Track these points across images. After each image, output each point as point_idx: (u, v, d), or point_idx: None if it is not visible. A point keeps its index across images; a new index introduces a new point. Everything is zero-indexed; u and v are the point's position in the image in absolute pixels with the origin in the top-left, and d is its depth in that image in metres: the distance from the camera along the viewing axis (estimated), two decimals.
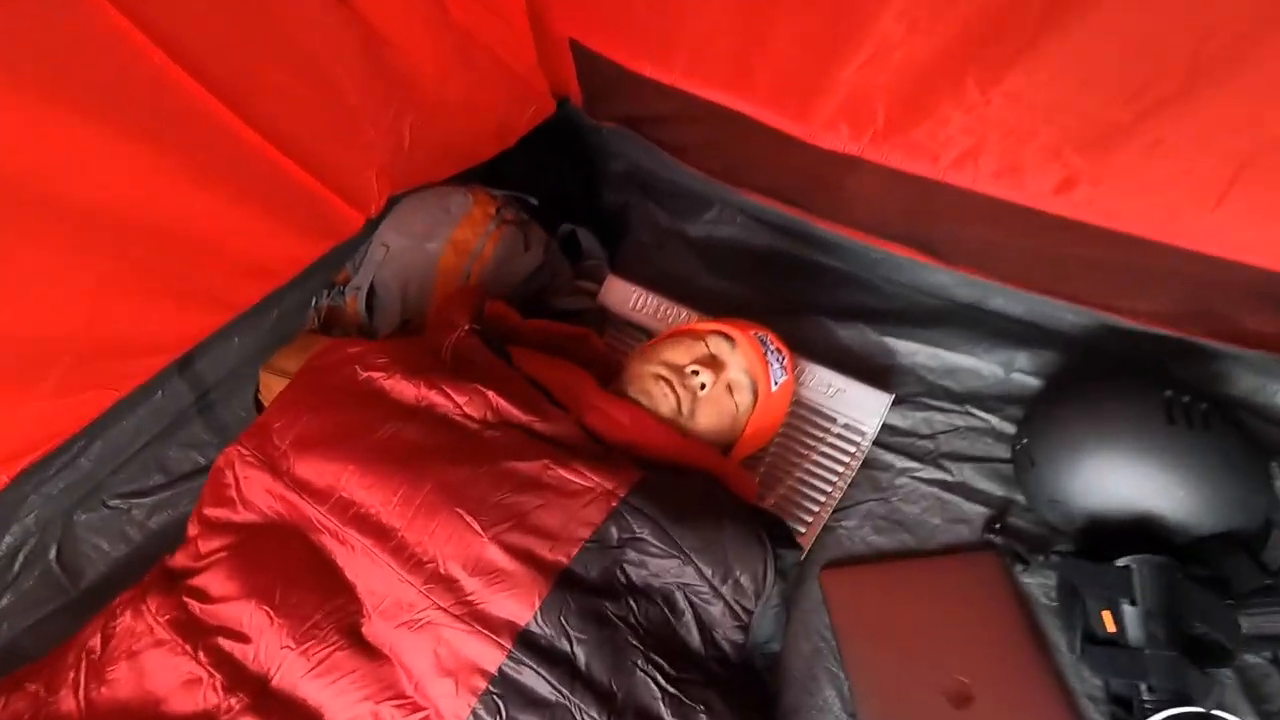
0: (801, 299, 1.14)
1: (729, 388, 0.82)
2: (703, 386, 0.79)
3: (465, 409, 0.70)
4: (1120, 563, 0.72)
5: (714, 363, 0.82)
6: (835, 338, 1.08)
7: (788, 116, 0.83)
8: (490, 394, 0.71)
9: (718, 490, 0.72)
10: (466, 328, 0.81)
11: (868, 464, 0.93)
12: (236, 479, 0.68)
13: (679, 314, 1.07)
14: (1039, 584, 0.82)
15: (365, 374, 0.72)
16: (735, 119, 0.91)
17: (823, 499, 0.90)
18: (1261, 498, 0.76)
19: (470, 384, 0.72)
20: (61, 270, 0.71)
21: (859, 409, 0.95)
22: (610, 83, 1.04)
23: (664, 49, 0.90)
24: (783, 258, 1.20)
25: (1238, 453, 0.75)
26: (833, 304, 1.13)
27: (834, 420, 0.96)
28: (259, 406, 1.04)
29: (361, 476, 0.62)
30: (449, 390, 0.70)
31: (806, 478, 0.92)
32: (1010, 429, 0.96)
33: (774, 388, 0.83)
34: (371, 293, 1.10)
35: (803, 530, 0.87)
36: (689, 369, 0.80)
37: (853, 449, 0.93)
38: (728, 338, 0.84)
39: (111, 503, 0.95)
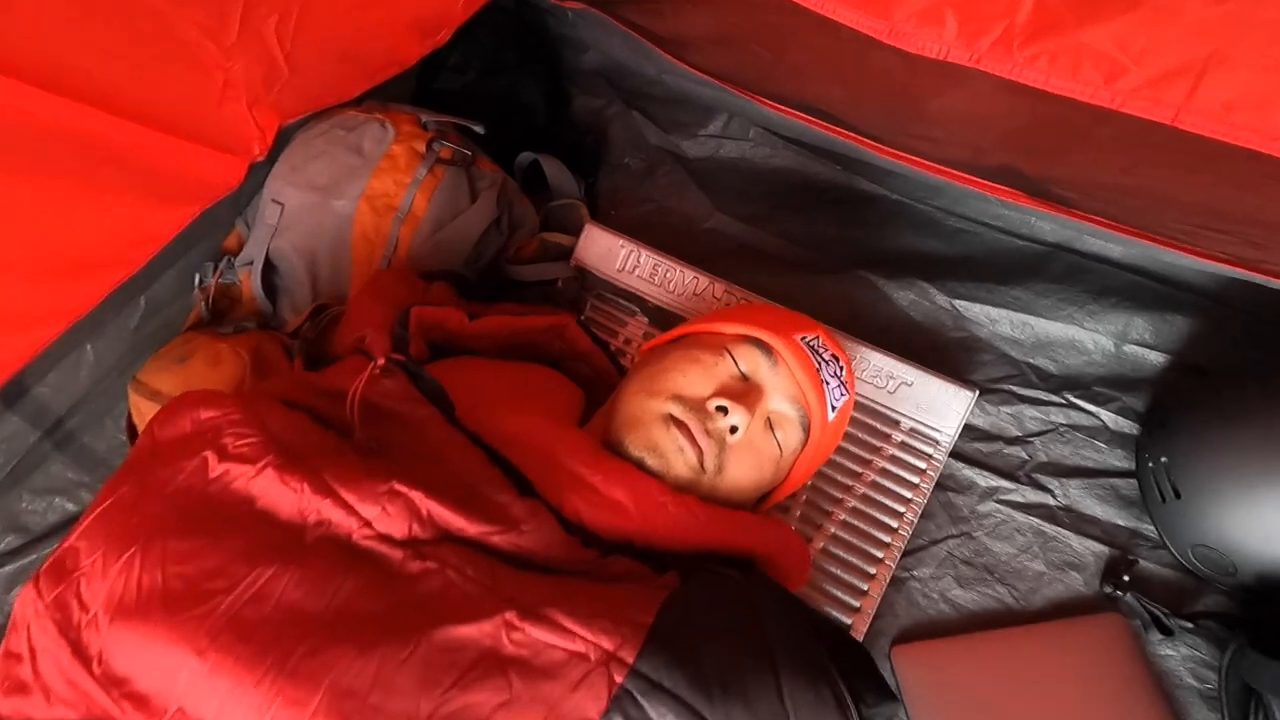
0: (841, 247, 0.87)
1: (769, 423, 0.58)
2: (734, 430, 0.55)
3: (377, 526, 0.45)
4: None
5: (747, 392, 0.57)
6: (889, 302, 0.83)
7: (856, 3, 0.53)
8: (416, 495, 0.46)
9: (764, 609, 0.48)
10: (380, 363, 0.55)
11: (941, 485, 0.71)
12: (32, 648, 0.44)
13: (684, 278, 0.80)
14: (1185, 657, 0.62)
15: (221, 468, 0.47)
16: (765, 2, 0.60)
17: (887, 539, 0.68)
18: None
19: (384, 480, 0.46)
20: None
21: (931, 409, 0.71)
22: None
23: None
24: (813, 188, 0.91)
25: None
26: (883, 252, 0.87)
27: (897, 425, 0.72)
28: (133, 437, 0.79)
29: (211, 677, 0.39)
30: (349, 496, 0.45)
31: (864, 509, 0.70)
32: (1128, 427, 0.73)
33: (831, 415, 0.59)
34: (270, 268, 0.82)
35: (864, 588, 0.66)
36: (713, 405, 0.55)
37: (923, 465, 0.70)
38: (765, 347, 0.58)
39: None
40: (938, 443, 0.71)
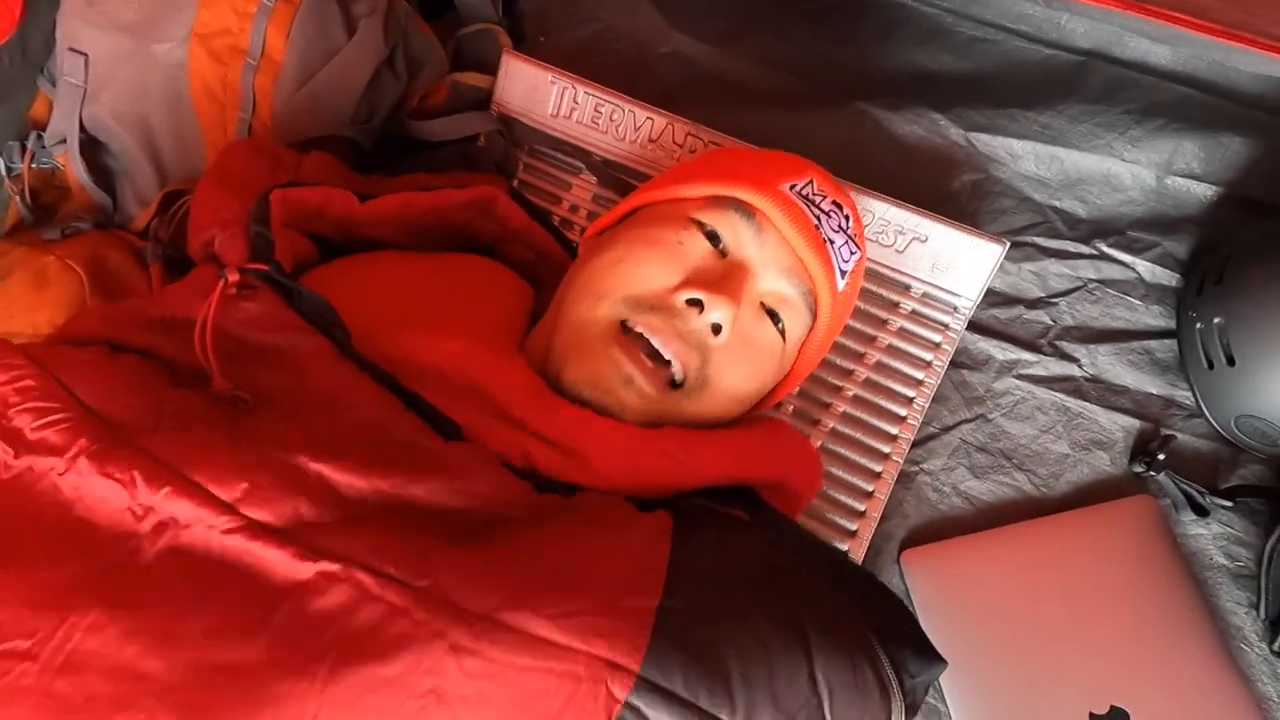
0: (830, 71, 0.70)
1: (762, 308, 0.45)
2: (717, 330, 0.42)
3: (245, 511, 0.32)
4: None
5: (729, 273, 0.44)
6: (892, 139, 0.68)
7: None
8: (300, 459, 0.33)
9: (786, 566, 0.39)
10: (233, 277, 0.40)
11: (953, 361, 0.61)
12: None
13: (635, 119, 0.64)
14: (1216, 535, 0.56)
15: (18, 464, 0.33)
16: None
17: (895, 430, 0.59)
18: None
19: (250, 446, 0.33)
20: None
21: (948, 270, 0.60)
22: None
23: None
24: None
25: None
26: (883, 75, 0.71)
27: (907, 291, 0.61)
28: None
29: None
30: (200, 475, 0.32)
31: (867, 396, 0.60)
32: (1167, 278, 0.63)
33: (841, 283, 0.47)
34: (95, 144, 0.62)
35: (869, 489, 0.58)
36: (682, 299, 0.42)
37: (937, 338, 0.60)
38: (744, 208, 0.45)
39: None
40: (955, 309, 0.60)
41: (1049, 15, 0.69)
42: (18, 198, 0.65)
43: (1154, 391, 0.60)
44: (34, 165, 0.65)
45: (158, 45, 0.58)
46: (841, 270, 0.47)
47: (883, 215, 0.60)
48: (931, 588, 0.56)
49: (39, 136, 0.64)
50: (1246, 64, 0.54)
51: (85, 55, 0.59)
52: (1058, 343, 0.62)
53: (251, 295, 0.41)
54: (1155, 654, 0.53)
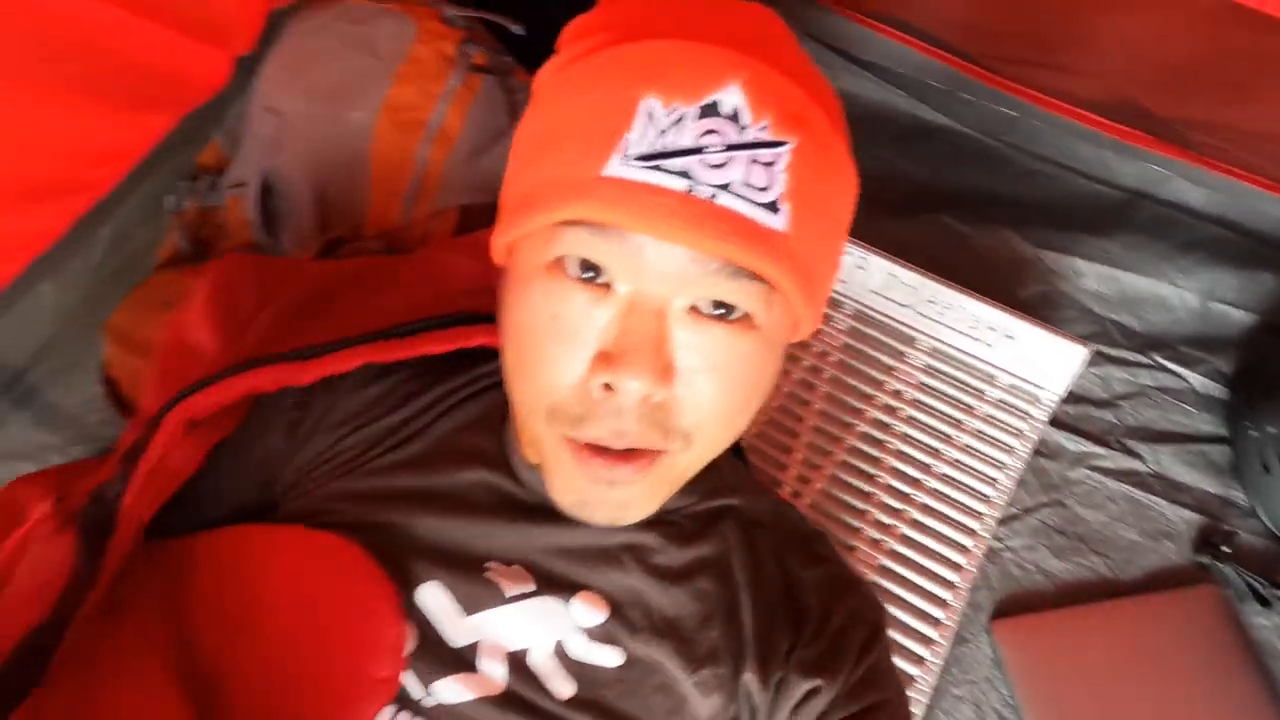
0: (908, 185, 0.80)
1: (698, 314, 0.33)
2: (649, 398, 0.34)
3: None
4: None
5: (626, 321, 0.33)
6: (970, 250, 0.77)
7: None
8: None
9: None
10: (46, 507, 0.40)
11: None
12: None
13: None
14: (1278, 627, 0.61)
15: None
16: None
17: (982, 508, 0.64)
18: None
19: None
20: None
21: (1034, 365, 0.67)
22: None
23: None
24: (874, 116, 0.83)
25: None
26: (956, 188, 0.80)
27: (992, 381, 0.68)
28: (111, 392, 0.67)
29: None
30: None
31: (955, 475, 0.66)
32: (1216, 391, 0.71)
33: (777, 219, 0.32)
34: (268, 190, 0.69)
35: (960, 562, 0.62)
36: (595, 393, 0.33)
37: (1022, 426, 0.67)
38: (586, 224, 0.32)
39: None
40: (1039, 401, 0.67)
41: (1099, 156, 0.80)
42: (180, 233, 0.71)
43: (1211, 491, 0.67)
44: (198, 204, 0.71)
45: (350, 112, 0.66)
46: (765, 204, 0.31)
47: (975, 312, 0.68)
48: (1022, 656, 0.60)
49: (211, 180, 0.71)
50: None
51: (279, 114, 0.67)
52: (1123, 440, 0.69)
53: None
54: None
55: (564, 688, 0.39)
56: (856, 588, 0.46)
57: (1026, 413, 0.67)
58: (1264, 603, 0.61)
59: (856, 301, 0.72)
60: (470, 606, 0.39)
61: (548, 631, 0.40)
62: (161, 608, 0.39)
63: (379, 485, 0.44)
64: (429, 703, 0.37)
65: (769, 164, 0.31)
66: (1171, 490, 0.67)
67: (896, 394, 0.69)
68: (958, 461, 0.66)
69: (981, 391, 0.68)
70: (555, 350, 0.34)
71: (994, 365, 0.68)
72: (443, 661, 0.38)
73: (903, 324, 0.71)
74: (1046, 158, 0.82)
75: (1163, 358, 0.72)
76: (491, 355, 0.43)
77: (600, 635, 0.40)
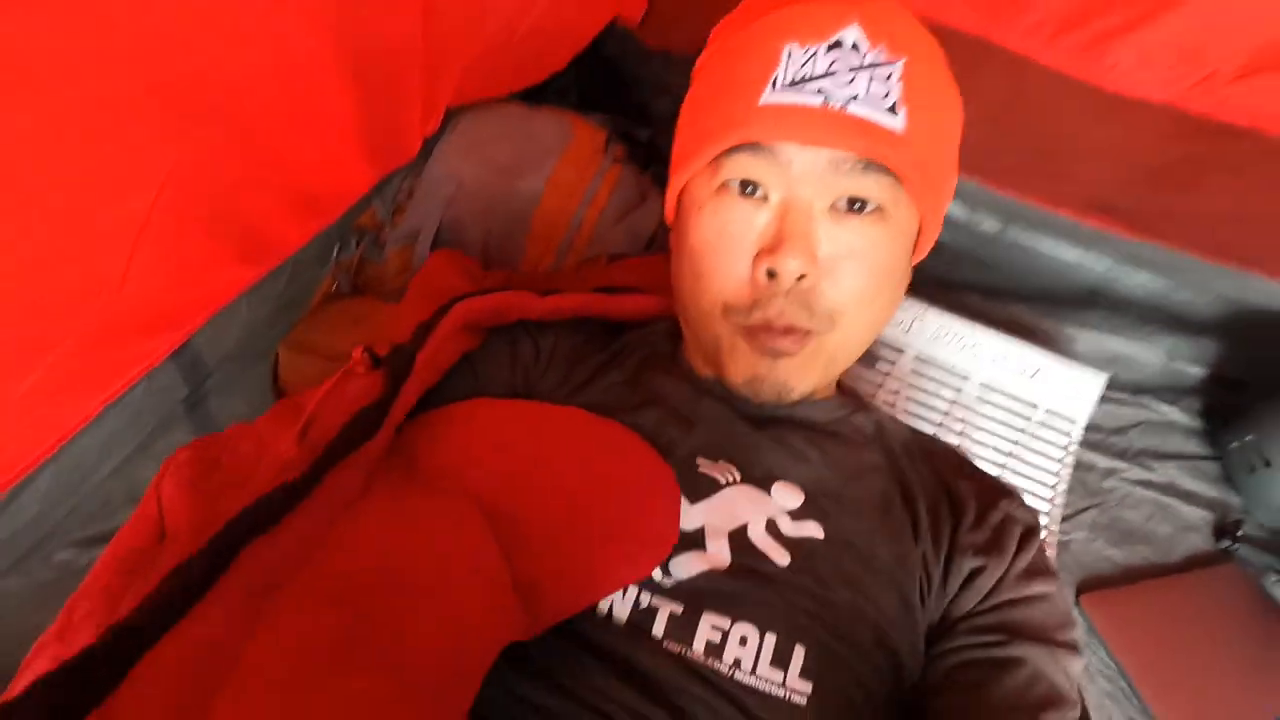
0: (932, 275, 1.00)
1: (838, 211, 0.44)
2: (804, 278, 0.43)
3: None
4: None
5: (782, 218, 0.43)
6: (988, 315, 0.96)
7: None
8: None
9: None
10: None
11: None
12: None
13: None
14: None
15: None
16: None
17: (1047, 507, 0.77)
18: None
19: None
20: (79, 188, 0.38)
21: (1064, 394, 0.84)
22: None
23: None
24: None
25: None
26: (959, 282, 1.01)
27: (1035, 407, 0.84)
28: (279, 392, 0.73)
29: None
30: None
31: (1021, 483, 0.79)
32: (1190, 422, 0.89)
33: (895, 121, 0.42)
34: (439, 237, 0.81)
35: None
36: (761, 279, 0.44)
37: (1065, 441, 0.82)
38: (745, 146, 0.44)
39: (61, 557, 0.60)
40: (1074, 422, 0.84)
41: (1079, 248, 1.04)
42: (340, 276, 0.81)
43: (1213, 495, 0.83)
44: (361, 256, 0.82)
45: (519, 181, 0.81)
46: (886, 109, 0.41)
47: (1014, 352, 0.86)
48: (1109, 622, 0.71)
49: (373, 236, 0.82)
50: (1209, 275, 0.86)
51: (458, 179, 0.81)
52: (1137, 458, 0.86)
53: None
54: None
55: (781, 558, 0.44)
56: (1011, 494, 0.51)
57: (1066, 431, 0.83)
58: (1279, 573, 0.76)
59: (918, 349, 0.89)
60: (692, 496, 0.45)
61: (759, 513, 0.45)
62: (443, 453, 0.44)
63: (600, 400, 0.50)
64: (668, 583, 0.42)
65: (887, 78, 0.41)
66: (1183, 495, 0.83)
67: (960, 420, 0.84)
68: (1019, 473, 0.80)
69: (1028, 417, 0.84)
70: (727, 254, 0.44)
71: (1033, 395, 0.85)
72: (677, 545, 0.43)
73: (955, 366, 0.88)
74: (1041, 252, 1.06)
75: (1148, 399, 0.92)
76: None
77: (802, 514, 0.46)
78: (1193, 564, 0.77)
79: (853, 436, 0.51)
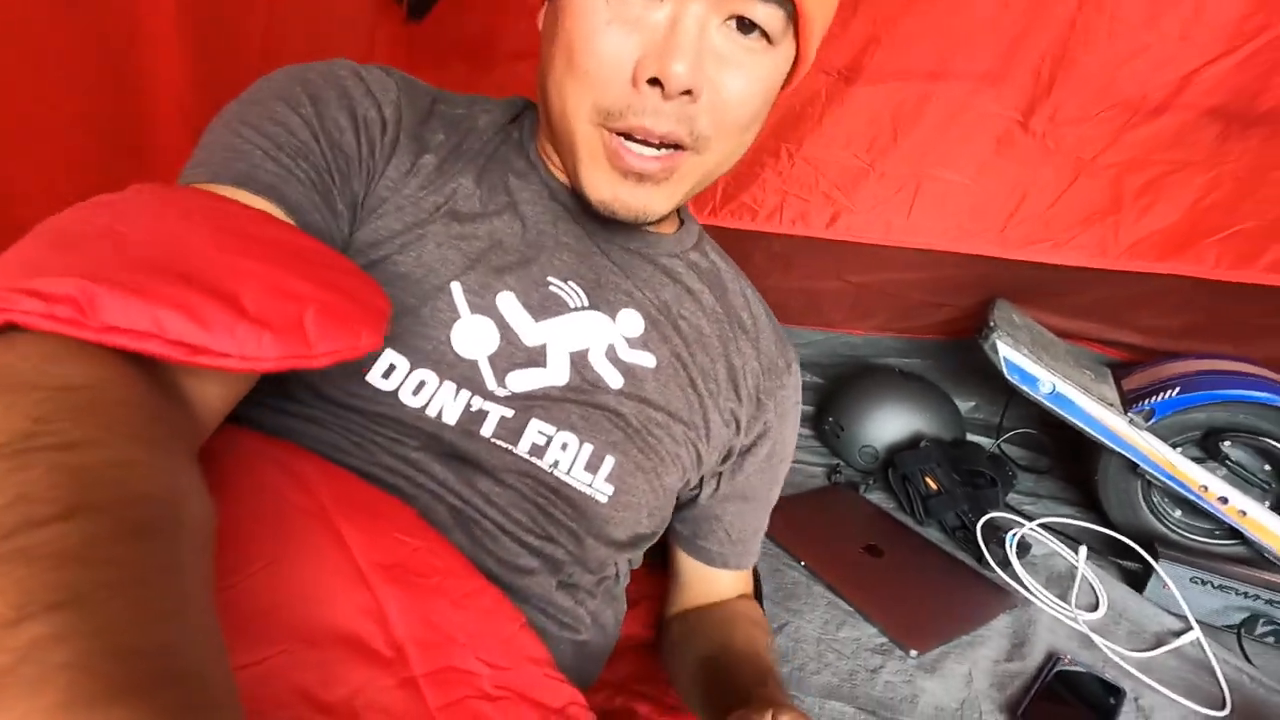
0: None
1: (727, 24, 0.43)
2: (689, 93, 0.42)
3: None
4: (923, 445, 1.11)
5: (673, 25, 0.41)
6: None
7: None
8: None
9: None
10: None
11: None
12: None
13: None
14: (878, 500, 1.14)
15: None
16: None
17: None
18: (959, 417, 1.25)
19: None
20: None
21: None
22: None
23: None
24: None
25: (940, 394, 1.27)
26: None
27: None
28: None
29: None
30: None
31: None
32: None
33: None
34: None
35: None
36: (643, 85, 0.42)
37: None
38: None
39: None
40: None
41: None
42: None
43: (823, 458, 1.22)
44: None
45: None
46: None
47: None
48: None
49: None
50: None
51: None
52: None
53: None
54: (891, 531, 1.03)
55: (615, 381, 0.49)
56: (791, 365, 0.60)
57: None
58: (867, 484, 1.13)
59: None
60: (538, 314, 0.47)
61: (601, 337, 0.49)
62: None
63: (461, 208, 0.47)
64: (502, 393, 0.45)
65: None
66: (807, 464, 1.21)
67: None
68: None
69: None
70: (610, 49, 0.40)
71: None
72: (517, 358, 0.46)
73: None
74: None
75: None
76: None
77: (639, 343, 0.50)
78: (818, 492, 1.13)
79: (692, 270, 0.56)
